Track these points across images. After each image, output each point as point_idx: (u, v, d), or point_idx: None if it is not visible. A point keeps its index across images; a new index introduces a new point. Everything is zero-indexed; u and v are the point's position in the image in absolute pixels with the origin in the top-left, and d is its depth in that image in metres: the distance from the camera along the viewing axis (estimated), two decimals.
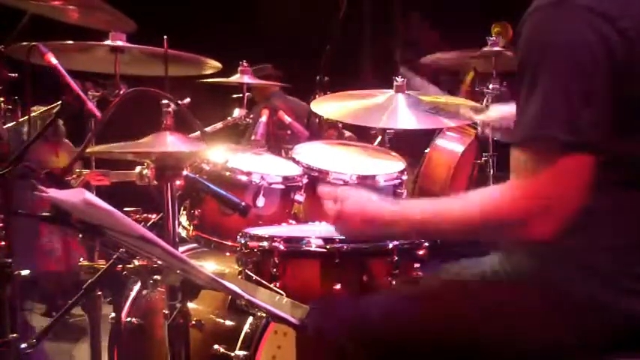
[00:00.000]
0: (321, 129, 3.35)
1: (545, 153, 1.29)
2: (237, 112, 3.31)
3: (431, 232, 1.61)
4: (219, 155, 2.44)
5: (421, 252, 2.15)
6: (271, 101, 5.62)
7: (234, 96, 3.45)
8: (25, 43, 2.24)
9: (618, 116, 1.30)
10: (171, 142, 1.90)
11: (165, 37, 2.25)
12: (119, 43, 2.50)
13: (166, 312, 1.84)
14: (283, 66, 6.24)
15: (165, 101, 1.92)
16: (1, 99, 2.62)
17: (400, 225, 1.49)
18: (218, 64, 2.79)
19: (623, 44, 1.28)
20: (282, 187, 2.55)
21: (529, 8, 1.37)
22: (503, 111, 2.40)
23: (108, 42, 2.49)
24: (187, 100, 2.45)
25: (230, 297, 2.24)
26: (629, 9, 1.31)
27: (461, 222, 1.40)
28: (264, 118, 3.03)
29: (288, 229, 2.40)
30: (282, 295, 1.93)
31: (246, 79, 3.41)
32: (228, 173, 2.49)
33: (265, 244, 2.12)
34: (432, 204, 1.47)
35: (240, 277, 2.14)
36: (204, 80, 3.20)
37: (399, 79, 2.83)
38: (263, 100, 5.67)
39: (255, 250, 2.13)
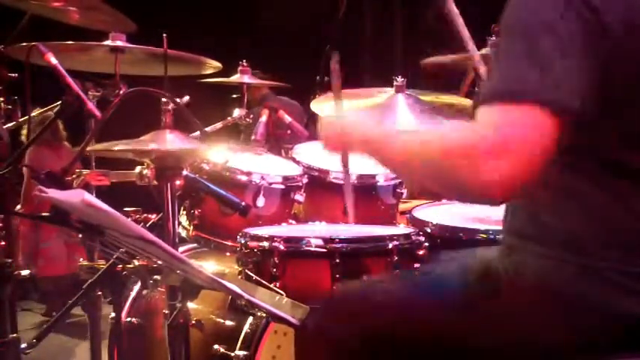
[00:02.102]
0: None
1: (508, 97, 1.25)
2: (237, 112, 3.31)
3: (379, 152, 1.50)
4: (219, 155, 2.44)
5: (421, 252, 2.15)
6: (265, 102, 5.65)
7: (234, 96, 3.45)
8: (25, 43, 2.24)
9: (605, 100, 1.28)
10: (170, 140, 1.90)
11: (164, 34, 2.25)
12: (119, 43, 2.50)
13: (166, 312, 1.84)
14: (283, 66, 6.25)
15: (164, 99, 1.92)
16: (1, 99, 2.62)
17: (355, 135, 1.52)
18: (218, 64, 2.78)
19: (607, 38, 1.27)
20: (282, 187, 2.55)
21: None
22: None
23: (108, 42, 2.50)
24: (187, 98, 2.44)
25: (230, 297, 2.24)
26: (613, 5, 1.29)
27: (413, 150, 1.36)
28: (264, 118, 3.03)
29: (288, 229, 2.40)
30: (282, 295, 1.93)
31: (246, 79, 3.41)
32: (228, 173, 2.49)
33: (265, 244, 2.12)
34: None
35: (240, 277, 2.14)
36: (204, 80, 3.20)
37: (399, 79, 2.83)
38: (257, 102, 5.70)
39: (255, 250, 2.13)
